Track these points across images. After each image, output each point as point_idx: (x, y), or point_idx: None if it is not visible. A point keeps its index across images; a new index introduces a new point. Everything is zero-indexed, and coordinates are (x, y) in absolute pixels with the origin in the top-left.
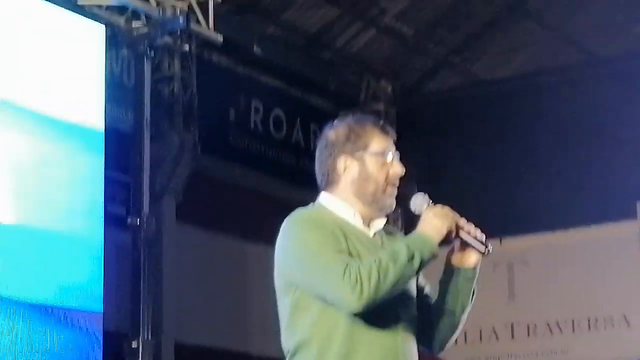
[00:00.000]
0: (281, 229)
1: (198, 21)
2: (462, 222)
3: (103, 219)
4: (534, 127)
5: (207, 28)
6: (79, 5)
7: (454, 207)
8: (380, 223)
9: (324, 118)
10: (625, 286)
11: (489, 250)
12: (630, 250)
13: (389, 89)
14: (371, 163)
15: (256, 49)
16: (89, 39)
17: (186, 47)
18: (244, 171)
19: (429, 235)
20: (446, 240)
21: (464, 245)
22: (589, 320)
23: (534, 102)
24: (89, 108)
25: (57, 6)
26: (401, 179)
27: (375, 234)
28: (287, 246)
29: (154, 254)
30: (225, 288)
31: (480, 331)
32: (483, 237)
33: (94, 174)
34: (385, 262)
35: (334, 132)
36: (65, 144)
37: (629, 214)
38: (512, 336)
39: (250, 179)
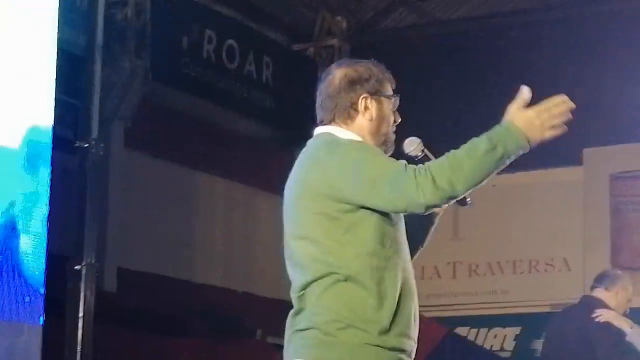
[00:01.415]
0: (319, 149)
1: None
2: None
3: (51, 141)
4: (486, 68)
5: None
6: None
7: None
8: None
9: (277, 51)
10: (566, 231)
11: (469, 203)
12: (573, 196)
13: (344, 24)
14: (387, 106)
15: None
16: None
17: None
18: (194, 100)
19: (517, 127)
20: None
21: None
22: (530, 262)
23: (487, 43)
24: (41, 30)
25: None
26: None
27: None
28: (339, 161)
29: (100, 179)
30: (170, 216)
31: (423, 269)
32: None
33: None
34: (460, 156)
35: (353, 69)
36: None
37: (575, 161)
38: (454, 275)
39: (201, 108)
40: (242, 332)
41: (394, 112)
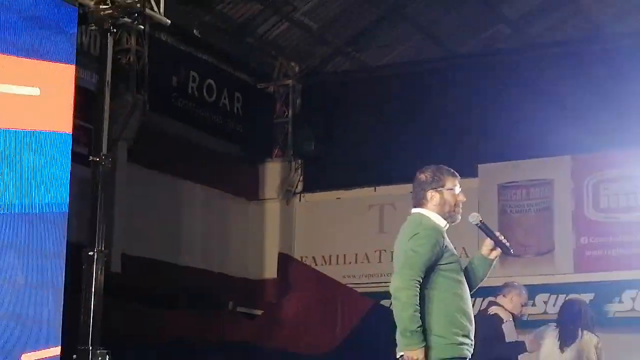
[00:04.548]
0: (413, 224)
1: (152, 7)
2: (498, 233)
3: (70, 156)
4: (404, 102)
5: (159, 13)
6: None
7: (343, 161)
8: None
9: (246, 88)
10: (465, 227)
11: (512, 252)
12: (469, 201)
13: (297, 68)
14: (447, 194)
15: (195, 32)
16: (64, 18)
17: (141, 27)
18: (182, 126)
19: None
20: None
21: (496, 245)
22: None
23: (407, 84)
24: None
25: None
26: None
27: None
28: (410, 239)
29: (108, 185)
30: (162, 214)
31: (356, 255)
32: (507, 244)
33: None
34: (407, 318)
35: (423, 175)
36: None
37: (471, 174)
38: (380, 260)
39: (187, 132)
40: (217, 304)
41: (456, 196)
